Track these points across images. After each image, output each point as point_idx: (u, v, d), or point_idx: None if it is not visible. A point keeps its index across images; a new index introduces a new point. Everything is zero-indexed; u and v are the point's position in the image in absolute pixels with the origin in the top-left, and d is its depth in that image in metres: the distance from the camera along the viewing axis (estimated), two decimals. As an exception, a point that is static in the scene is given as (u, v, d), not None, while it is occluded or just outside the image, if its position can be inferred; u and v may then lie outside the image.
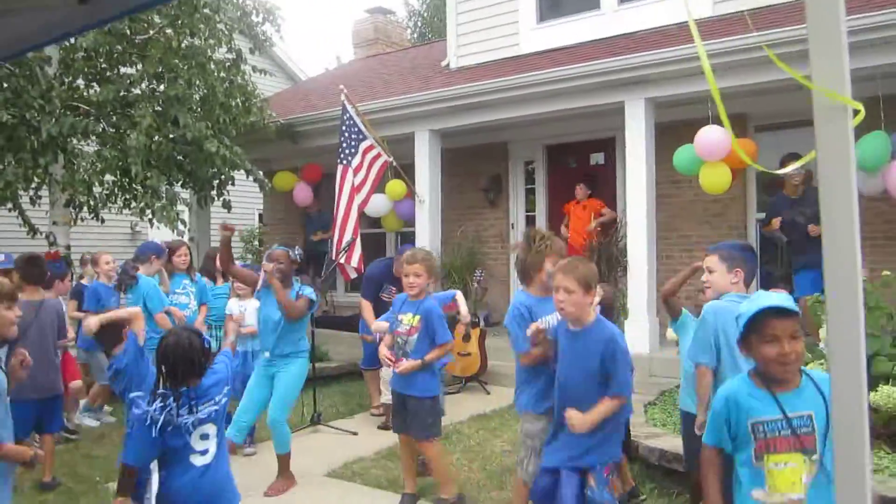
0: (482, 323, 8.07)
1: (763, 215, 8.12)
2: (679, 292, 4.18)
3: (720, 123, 7.30)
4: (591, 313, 3.52)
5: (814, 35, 0.94)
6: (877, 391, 4.51)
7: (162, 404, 3.08)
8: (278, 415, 5.08)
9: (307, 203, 11.12)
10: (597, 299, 3.62)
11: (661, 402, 6.18)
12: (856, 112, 1.00)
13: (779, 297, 2.49)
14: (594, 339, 3.45)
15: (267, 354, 5.19)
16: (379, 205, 9.30)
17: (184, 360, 3.13)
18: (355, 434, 6.27)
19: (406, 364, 4.51)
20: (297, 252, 5.34)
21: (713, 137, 7.03)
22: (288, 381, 5.16)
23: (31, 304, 5.20)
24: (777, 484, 2.42)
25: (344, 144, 8.63)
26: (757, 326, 2.42)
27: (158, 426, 3.05)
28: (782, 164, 7.05)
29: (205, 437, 3.19)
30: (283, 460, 5.13)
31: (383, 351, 4.74)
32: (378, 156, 8.74)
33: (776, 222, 7.13)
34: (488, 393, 7.61)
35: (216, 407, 3.21)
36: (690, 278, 4.13)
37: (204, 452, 3.18)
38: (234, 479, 3.34)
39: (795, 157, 7.02)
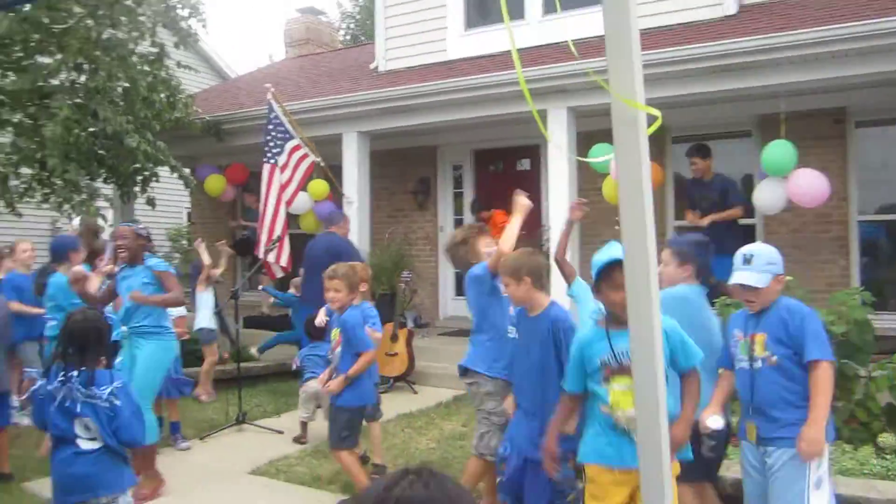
0: (410, 324, 8.16)
1: (681, 223, 8.51)
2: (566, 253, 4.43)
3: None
4: (534, 300, 3.69)
5: (610, 48, 1.08)
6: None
7: (62, 380, 3.26)
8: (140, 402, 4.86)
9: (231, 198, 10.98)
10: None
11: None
12: (654, 120, 1.14)
13: (619, 251, 2.84)
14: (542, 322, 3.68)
15: (124, 328, 4.96)
16: (300, 203, 9.21)
17: (87, 336, 3.33)
18: (281, 433, 6.26)
19: (333, 384, 4.51)
20: (142, 227, 5.13)
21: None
22: (146, 363, 4.89)
23: None
24: (620, 402, 2.95)
25: (271, 143, 8.60)
26: (606, 276, 2.93)
27: (56, 401, 3.24)
28: (689, 154, 7.55)
29: (87, 429, 3.29)
30: (145, 452, 4.57)
31: (322, 377, 4.86)
32: (305, 156, 8.74)
33: (690, 216, 7.50)
34: (415, 392, 7.69)
35: (101, 404, 3.27)
36: (570, 233, 4.44)
37: (89, 440, 3.30)
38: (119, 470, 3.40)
39: (700, 150, 7.52)
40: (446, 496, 1.11)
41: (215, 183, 10.87)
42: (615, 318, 2.98)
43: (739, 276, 3.22)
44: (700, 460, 3.31)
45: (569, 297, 4.30)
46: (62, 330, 3.44)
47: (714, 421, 3.25)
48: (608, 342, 2.99)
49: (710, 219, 7.30)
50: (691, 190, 7.86)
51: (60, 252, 6.20)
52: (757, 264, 3.20)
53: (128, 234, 4.99)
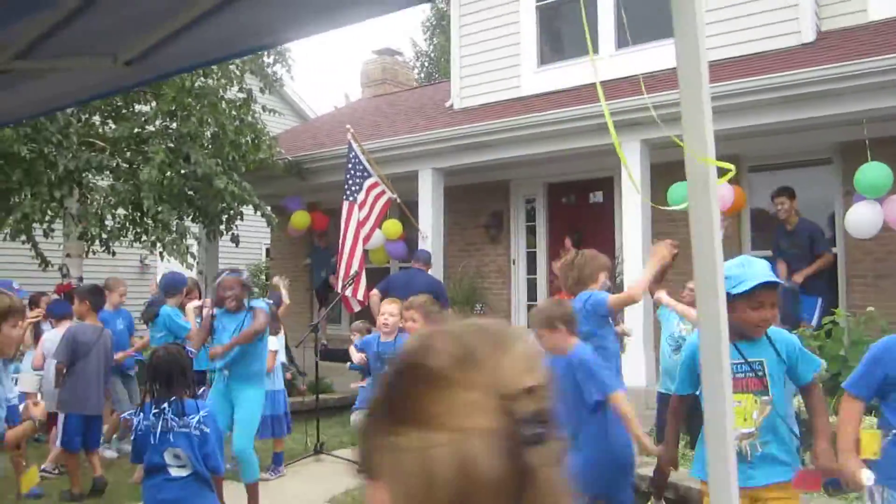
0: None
1: (757, 252, 8.34)
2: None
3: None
4: (566, 344, 3.77)
5: (685, 110, 1.17)
6: (860, 423, 4.66)
7: (156, 412, 3.49)
8: (244, 443, 5.05)
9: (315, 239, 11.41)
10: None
11: (654, 434, 6.31)
12: (725, 171, 1.22)
13: (768, 272, 2.92)
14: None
15: (225, 371, 5.19)
16: (374, 241, 9.49)
17: (172, 370, 3.56)
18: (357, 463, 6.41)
19: None
20: (246, 276, 5.44)
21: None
22: (248, 407, 5.14)
23: (94, 328, 5.77)
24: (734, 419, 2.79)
25: (350, 181, 8.90)
26: (748, 293, 2.86)
27: (155, 434, 3.47)
28: (773, 198, 7.38)
29: (177, 458, 3.50)
30: (252, 490, 5.05)
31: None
32: (382, 193, 9.00)
33: (782, 269, 7.34)
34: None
35: (192, 432, 3.49)
36: (670, 268, 4.36)
37: (179, 467, 3.51)
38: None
39: (786, 190, 7.34)
40: None
41: (301, 218, 11.26)
42: (737, 335, 2.92)
43: None
44: None
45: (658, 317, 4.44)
46: (148, 366, 3.73)
47: (868, 476, 2.85)
48: (738, 351, 2.92)
49: (804, 275, 7.14)
50: (779, 238, 7.63)
51: (171, 287, 6.68)
52: None
53: (234, 285, 5.25)
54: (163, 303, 6.47)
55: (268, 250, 15.14)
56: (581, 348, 3.79)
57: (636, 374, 7.50)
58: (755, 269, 2.95)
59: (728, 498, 1.31)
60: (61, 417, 5.92)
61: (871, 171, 6.80)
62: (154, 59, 1.69)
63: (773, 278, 2.94)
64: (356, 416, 6.17)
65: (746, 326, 2.93)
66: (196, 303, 7.03)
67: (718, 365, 1.29)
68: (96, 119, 9.69)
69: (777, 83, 6.97)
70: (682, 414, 3.33)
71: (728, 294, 2.96)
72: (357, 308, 9.09)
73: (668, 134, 1.55)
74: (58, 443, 6.07)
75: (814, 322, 6.77)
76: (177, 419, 3.48)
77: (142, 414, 3.60)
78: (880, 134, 7.36)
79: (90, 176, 9.21)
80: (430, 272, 8.04)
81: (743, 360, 2.94)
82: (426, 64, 28.85)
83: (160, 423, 3.48)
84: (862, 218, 6.92)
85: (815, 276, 7.13)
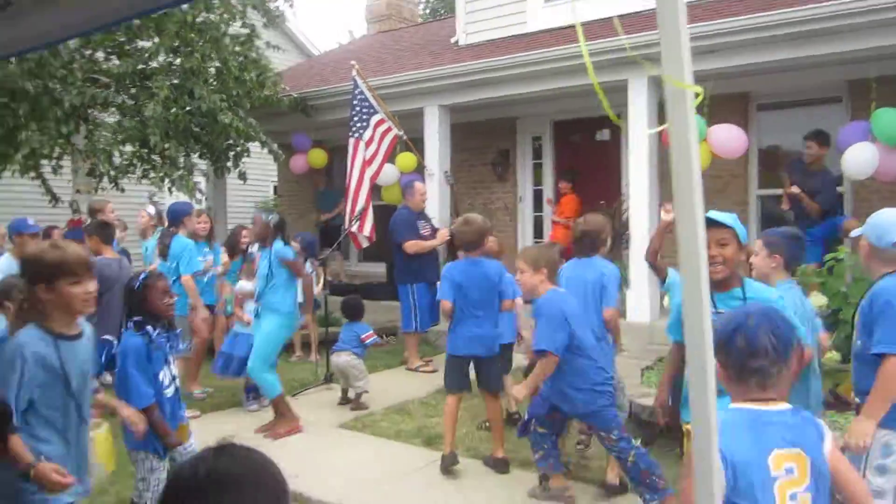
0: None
1: (764, 191, 8.41)
2: (663, 252, 4.50)
3: (722, 103, 7.54)
4: (543, 288, 4.08)
5: (662, 31, 1.22)
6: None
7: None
8: (256, 364, 5.55)
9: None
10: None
11: (657, 367, 6.47)
12: (697, 96, 1.28)
13: (712, 212, 3.00)
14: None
15: (259, 303, 5.78)
16: (387, 176, 9.47)
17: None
18: (366, 392, 6.60)
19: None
20: (271, 217, 5.90)
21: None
22: (265, 333, 5.64)
23: (115, 261, 5.94)
24: None
25: (355, 118, 8.88)
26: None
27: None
28: (807, 137, 7.27)
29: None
30: (276, 404, 5.58)
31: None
32: (389, 129, 8.98)
33: (789, 188, 7.35)
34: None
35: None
36: (668, 232, 4.38)
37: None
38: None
39: (818, 136, 7.24)
40: (252, 467, 1.21)
41: (317, 156, 11.24)
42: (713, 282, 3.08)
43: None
44: None
45: (662, 290, 4.54)
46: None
47: None
48: (712, 303, 3.03)
49: (797, 192, 7.12)
50: (794, 170, 7.49)
51: (177, 217, 6.69)
52: None
53: (260, 224, 5.89)
54: (174, 234, 6.54)
55: (275, 188, 15.17)
56: (552, 294, 4.08)
57: (640, 309, 7.64)
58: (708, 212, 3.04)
59: (708, 432, 1.40)
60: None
61: (890, 116, 6.67)
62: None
63: (716, 217, 3.02)
64: (336, 358, 6.35)
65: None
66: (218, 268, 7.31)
67: (698, 292, 1.36)
68: (100, 55, 9.61)
69: (787, 19, 6.87)
70: (677, 360, 3.40)
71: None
72: (365, 244, 9.19)
73: (632, 55, 1.57)
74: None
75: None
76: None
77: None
78: (889, 72, 7.30)
79: (96, 112, 9.19)
80: (421, 207, 8.07)
81: (714, 311, 2.97)
82: (431, 0, 28.27)
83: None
84: (857, 159, 6.86)
85: (819, 223, 7.10)
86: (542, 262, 4.08)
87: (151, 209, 8.06)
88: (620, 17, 8.43)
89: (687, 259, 1.32)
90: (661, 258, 4.57)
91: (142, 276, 3.63)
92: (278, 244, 5.74)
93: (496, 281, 4.82)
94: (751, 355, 2.00)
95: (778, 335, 2.01)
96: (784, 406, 2.05)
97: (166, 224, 7.08)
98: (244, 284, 6.63)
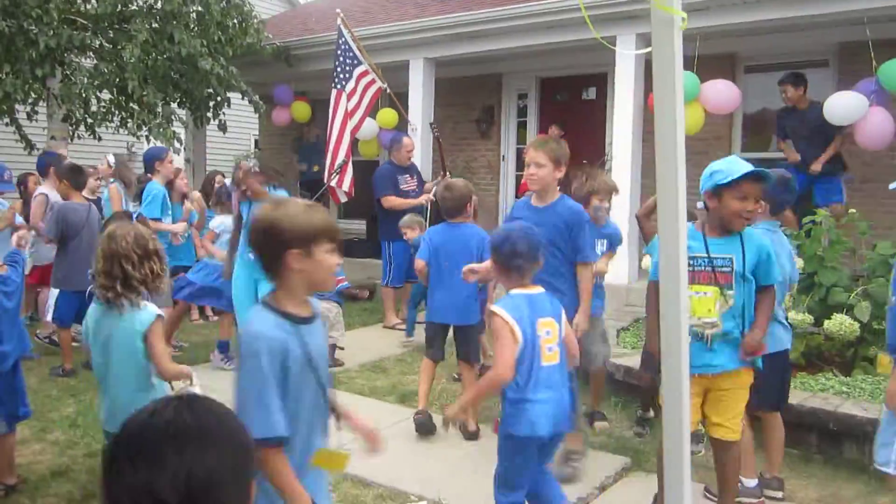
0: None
1: (747, 155, 8.34)
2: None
3: (709, 63, 7.45)
4: (556, 192, 3.90)
5: None
6: (830, 319, 4.81)
7: None
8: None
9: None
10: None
11: (633, 328, 6.52)
12: (683, 21, 1.23)
13: (751, 166, 3.03)
14: (558, 212, 3.85)
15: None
16: (367, 130, 9.34)
17: None
18: (341, 349, 6.58)
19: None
20: (252, 164, 5.88)
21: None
22: (245, 286, 5.49)
23: (83, 206, 5.83)
24: (695, 308, 3.03)
25: (339, 69, 8.70)
26: (734, 184, 2.98)
27: None
28: (780, 81, 7.27)
29: None
30: None
31: None
32: (372, 81, 8.82)
33: (785, 149, 7.39)
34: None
35: None
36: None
37: None
38: None
39: (790, 77, 7.23)
40: (212, 420, 1.14)
41: (301, 110, 11.04)
42: (719, 228, 3.10)
43: None
44: (770, 386, 3.45)
45: (645, 253, 4.58)
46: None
47: None
48: (704, 245, 3.07)
49: (821, 162, 7.07)
50: (784, 119, 7.48)
51: (149, 161, 6.50)
52: None
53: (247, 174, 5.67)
54: (149, 180, 6.39)
55: (256, 140, 14.96)
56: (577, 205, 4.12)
57: (619, 272, 7.62)
58: (742, 164, 3.06)
59: (679, 391, 1.38)
60: (54, 293, 6.03)
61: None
62: None
63: (760, 170, 3.03)
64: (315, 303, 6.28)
65: (730, 216, 3.05)
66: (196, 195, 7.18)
67: (675, 233, 1.32)
68: (77, -5, 9.33)
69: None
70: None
71: (715, 186, 3.03)
72: (343, 199, 9.10)
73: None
74: (49, 317, 6.20)
75: (844, 200, 6.94)
76: None
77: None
78: (882, 35, 7.22)
79: (72, 56, 8.95)
80: (407, 162, 7.97)
81: (706, 255, 3.06)
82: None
83: None
84: (845, 104, 6.83)
85: (831, 160, 7.11)
86: (563, 162, 3.84)
87: (111, 158, 7.88)
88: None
89: (665, 199, 1.28)
90: (652, 219, 4.51)
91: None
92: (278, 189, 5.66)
93: (474, 248, 4.62)
94: (514, 256, 2.93)
95: (531, 244, 2.95)
96: (540, 289, 2.99)
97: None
98: (221, 219, 6.48)
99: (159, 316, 2.99)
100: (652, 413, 4.70)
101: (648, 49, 1.47)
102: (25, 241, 4.23)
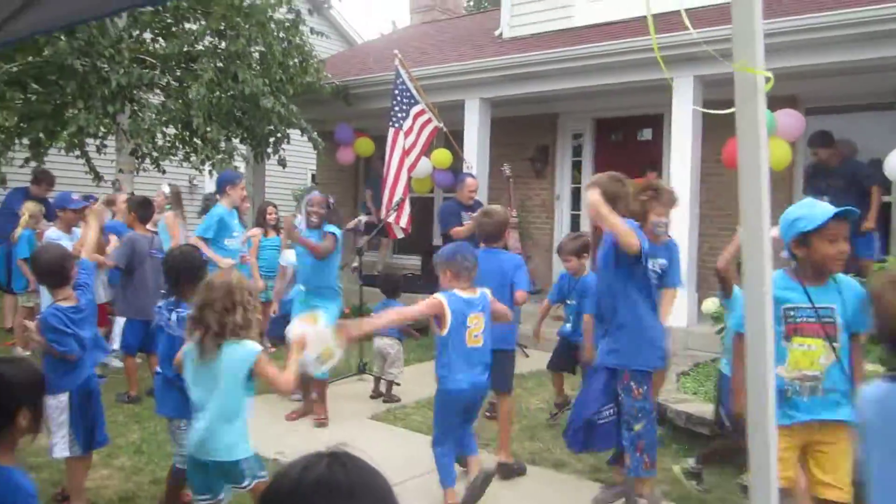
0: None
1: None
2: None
3: (771, 106, 7.37)
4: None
5: (736, 19, 1.18)
6: None
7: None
8: None
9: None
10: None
11: (693, 373, 6.37)
12: (767, 80, 1.23)
13: (830, 206, 2.92)
14: None
15: (302, 287, 5.75)
16: (421, 169, 9.46)
17: (181, 270, 3.77)
18: (398, 385, 6.58)
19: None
20: (332, 200, 5.94)
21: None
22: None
23: (146, 238, 6.12)
24: (799, 362, 2.90)
25: (396, 108, 8.85)
26: (821, 228, 2.84)
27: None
28: (811, 143, 7.25)
29: None
30: (320, 386, 5.59)
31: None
32: (429, 121, 8.95)
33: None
34: (527, 356, 7.83)
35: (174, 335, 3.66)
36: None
37: None
38: None
39: (824, 136, 7.17)
40: (363, 478, 1.13)
41: (365, 145, 11.29)
42: (812, 275, 2.93)
43: None
44: None
45: (722, 306, 4.72)
46: (164, 263, 3.95)
47: None
48: (806, 295, 2.90)
49: (873, 220, 7.02)
50: (816, 178, 7.41)
51: (221, 184, 6.74)
52: None
53: (322, 203, 5.82)
54: (216, 202, 6.64)
55: (313, 175, 15.24)
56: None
57: (678, 315, 7.48)
58: (823, 206, 2.93)
59: (765, 435, 1.35)
60: (121, 322, 6.22)
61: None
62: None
63: (843, 210, 2.89)
64: (378, 340, 6.38)
65: (826, 261, 2.89)
66: (255, 231, 7.61)
67: (760, 286, 1.31)
68: (147, 36, 9.73)
69: (843, 20, 6.69)
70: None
71: (801, 234, 2.89)
72: (400, 235, 9.18)
73: (708, 48, 1.52)
74: (116, 345, 6.37)
75: (875, 255, 6.81)
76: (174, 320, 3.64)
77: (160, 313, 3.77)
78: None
79: (141, 93, 9.31)
80: (470, 200, 8.06)
81: (811, 306, 2.89)
82: (475, -8, 28.11)
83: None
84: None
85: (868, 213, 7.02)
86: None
87: (166, 188, 8.14)
88: (687, 10, 8.28)
89: (751, 247, 1.28)
90: (731, 270, 4.32)
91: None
92: (329, 225, 5.75)
93: (510, 274, 4.62)
94: (464, 267, 3.93)
95: (472, 257, 4.03)
96: (477, 293, 3.99)
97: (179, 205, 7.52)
98: (289, 254, 6.72)
99: (263, 349, 3.11)
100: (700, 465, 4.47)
101: (732, 110, 1.47)
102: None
